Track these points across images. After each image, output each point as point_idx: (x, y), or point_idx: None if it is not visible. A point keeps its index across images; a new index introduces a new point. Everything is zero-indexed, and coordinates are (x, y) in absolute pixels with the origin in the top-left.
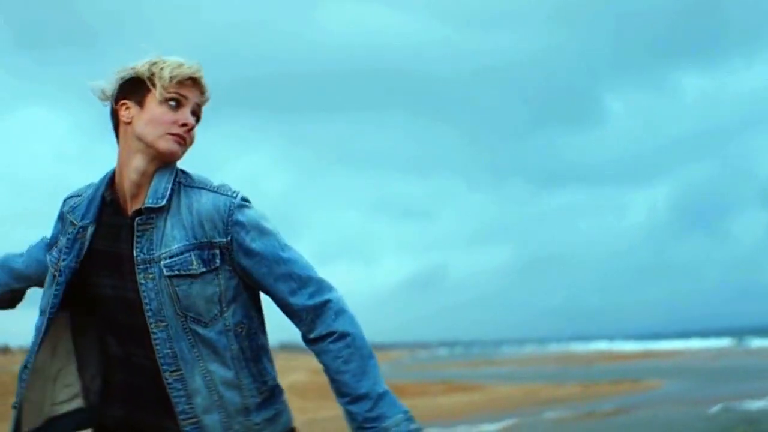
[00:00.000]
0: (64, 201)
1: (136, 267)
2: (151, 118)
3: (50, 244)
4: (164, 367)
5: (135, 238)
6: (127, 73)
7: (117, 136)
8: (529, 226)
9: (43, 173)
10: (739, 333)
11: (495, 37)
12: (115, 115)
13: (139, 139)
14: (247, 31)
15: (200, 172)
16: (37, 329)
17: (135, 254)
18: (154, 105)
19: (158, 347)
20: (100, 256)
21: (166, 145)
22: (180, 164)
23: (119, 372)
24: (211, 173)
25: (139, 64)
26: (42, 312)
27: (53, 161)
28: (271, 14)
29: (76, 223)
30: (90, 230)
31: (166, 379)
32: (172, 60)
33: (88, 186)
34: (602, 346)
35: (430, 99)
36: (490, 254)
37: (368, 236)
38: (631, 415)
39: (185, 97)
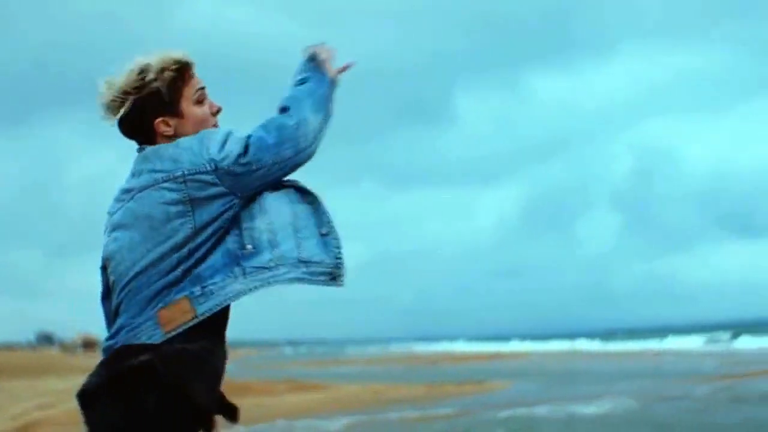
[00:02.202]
0: None
1: None
2: (196, 121)
3: None
4: None
5: None
6: (145, 91)
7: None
8: (379, 226)
9: None
10: (587, 335)
11: (350, 37)
12: (149, 132)
13: None
14: (102, 25)
15: (50, 167)
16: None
17: None
18: (190, 107)
19: None
20: None
21: None
22: (25, 155)
23: None
24: (60, 168)
25: (150, 77)
26: None
27: None
28: (126, 9)
29: None
30: None
31: None
32: (171, 55)
33: None
34: (448, 347)
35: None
36: None
37: None
38: (474, 416)
39: (202, 87)
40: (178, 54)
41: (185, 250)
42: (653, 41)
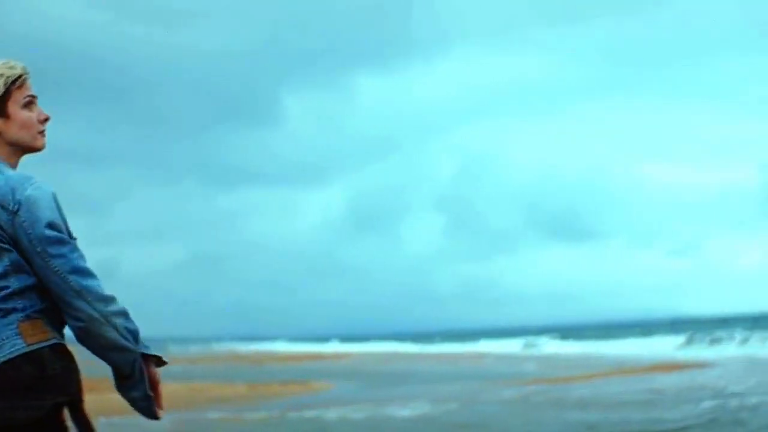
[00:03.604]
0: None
1: None
2: (23, 124)
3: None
4: None
5: None
6: None
7: None
8: (201, 225)
9: None
10: (407, 337)
11: (177, 33)
12: None
13: (14, 144)
14: None
15: None
16: None
17: None
18: (17, 110)
19: None
20: None
21: (42, 142)
22: None
23: None
24: None
25: None
26: None
27: None
28: None
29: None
30: None
31: None
32: (10, 62)
33: None
34: (271, 346)
35: (110, 93)
36: (161, 252)
37: None
38: (293, 416)
39: (33, 95)
40: (17, 64)
41: (8, 264)
42: (483, 44)
